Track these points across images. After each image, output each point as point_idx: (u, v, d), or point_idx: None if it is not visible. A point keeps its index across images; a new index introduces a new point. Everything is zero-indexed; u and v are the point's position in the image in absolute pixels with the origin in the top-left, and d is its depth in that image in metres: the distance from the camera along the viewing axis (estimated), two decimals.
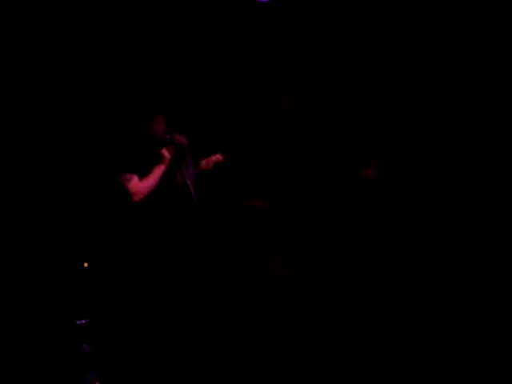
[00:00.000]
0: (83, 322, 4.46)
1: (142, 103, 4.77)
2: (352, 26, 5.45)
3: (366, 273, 4.90)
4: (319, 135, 5.49)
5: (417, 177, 5.18)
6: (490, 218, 4.80)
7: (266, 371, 4.17)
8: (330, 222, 5.12)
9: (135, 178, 4.44)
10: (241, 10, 5.39)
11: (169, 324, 4.44)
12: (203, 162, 4.81)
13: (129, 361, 4.28)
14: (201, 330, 4.58)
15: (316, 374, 4.14)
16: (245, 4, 5.35)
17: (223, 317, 4.74)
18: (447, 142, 5.18)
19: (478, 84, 5.03)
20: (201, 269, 4.84)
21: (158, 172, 4.47)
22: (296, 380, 4.10)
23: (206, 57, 5.47)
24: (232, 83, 5.57)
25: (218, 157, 4.86)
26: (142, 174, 4.45)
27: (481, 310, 4.26)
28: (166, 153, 4.51)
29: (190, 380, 4.20)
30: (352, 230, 5.04)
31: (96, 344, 4.38)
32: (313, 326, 4.59)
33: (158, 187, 4.47)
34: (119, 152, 4.55)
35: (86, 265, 4.90)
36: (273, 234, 5.11)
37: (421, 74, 5.31)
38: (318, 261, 4.95)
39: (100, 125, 5.16)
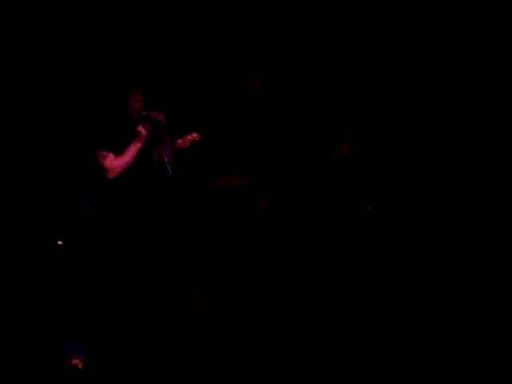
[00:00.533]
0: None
1: (119, 78, 4.66)
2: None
3: (343, 250, 4.90)
4: (295, 111, 5.45)
5: (396, 156, 5.18)
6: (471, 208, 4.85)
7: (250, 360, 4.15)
8: (307, 202, 5.09)
9: (110, 155, 4.35)
10: None
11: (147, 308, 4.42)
12: (180, 141, 4.74)
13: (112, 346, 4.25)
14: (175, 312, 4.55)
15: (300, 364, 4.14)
16: None
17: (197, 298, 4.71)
18: (419, 121, 5.19)
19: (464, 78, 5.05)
20: (175, 248, 4.79)
21: (133, 149, 4.38)
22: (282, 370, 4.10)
23: (181, 35, 5.39)
24: (207, 60, 5.49)
25: (195, 135, 4.79)
26: (118, 151, 4.36)
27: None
28: (142, 130, 4.42)
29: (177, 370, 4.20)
30: (331, 209, 5.03)
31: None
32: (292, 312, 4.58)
33: (134, 165, 4.39)
34: (94, 128, 4.45)
35: (60, 243, 4.81)
36: (249, 213, 5.07)
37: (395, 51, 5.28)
38: (295, 244, 4.92)
39: (75, 100, 5.03)
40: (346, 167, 5.14)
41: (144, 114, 4.44)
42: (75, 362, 4.27)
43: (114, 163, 4.34)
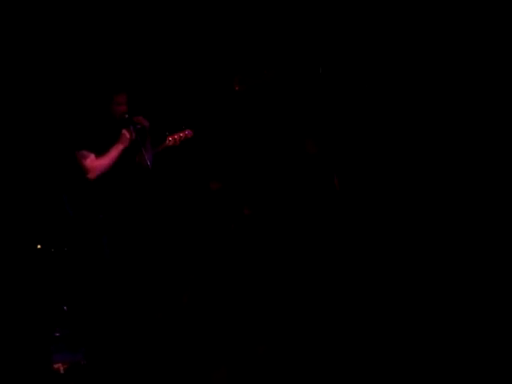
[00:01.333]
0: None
1: (105, 79, 4.62)
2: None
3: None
4: (273, 113, 5.48)
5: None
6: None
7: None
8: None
9: (91, 156, 4.34)
10: None
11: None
12: (170, 139, 4.71)
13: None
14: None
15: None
16: None
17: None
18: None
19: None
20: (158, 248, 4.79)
21: (115, 152, 4.38)
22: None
23: (166, 39, 5.36)
24: (191, 64, 5.48)
25: (187, 132, 4.77)
26: (99, 152, 4.35)
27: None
28: (126, 133, 4.41)
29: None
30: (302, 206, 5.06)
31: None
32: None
33: (115, 167, 4.38)
34: (77, 128, 4.42)
35: (38, 246, 4.76)
36: (231, 217, 5.09)
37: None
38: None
39: (60, 100, 4.98)
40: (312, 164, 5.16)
41: (127, 116, 4.43)
42: (57, 366, 4.24)
43: (95, 163, 4.33)
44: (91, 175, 4.32)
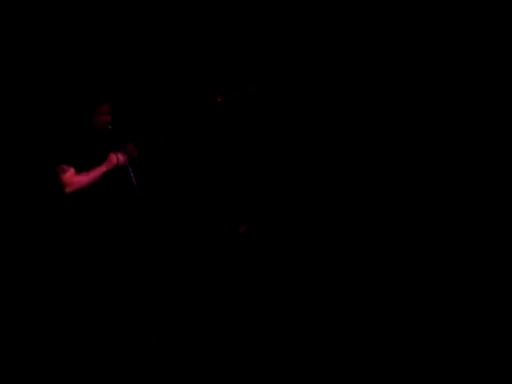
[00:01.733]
0: None
1: (87, 90, 4.54)
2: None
3: None
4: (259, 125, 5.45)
5: None
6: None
7: None
8: None
9: (71, 171, 4.24)
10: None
11: None
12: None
13: None
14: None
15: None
16: None
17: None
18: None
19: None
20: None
21: (97, 173, 4.28)
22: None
23: (147, 47, 5.30)
24: (172, 74, 5.41)
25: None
26: (81, 165, 4.25)
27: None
28: (113, 158, 4.32)
29: None
30: None
31: None
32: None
33: (96, 185, 4.30)
34: (58, 140, 4.31)
35: None
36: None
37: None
38: None
39: (41, 111, 4.89)
40: None
41: (110, 127, 4.35)
42: None
43: (73, 179, 4.24)
44: (68, 190, 4.23)
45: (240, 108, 5.45)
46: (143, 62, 5.32)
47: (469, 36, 4.98)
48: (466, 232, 4.76)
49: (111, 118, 4.34)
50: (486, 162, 4.89)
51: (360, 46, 5.24)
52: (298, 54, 5.43)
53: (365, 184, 5.17)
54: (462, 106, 5.01)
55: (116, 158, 4.33)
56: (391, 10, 5.14)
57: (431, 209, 4.97)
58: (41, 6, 4.88)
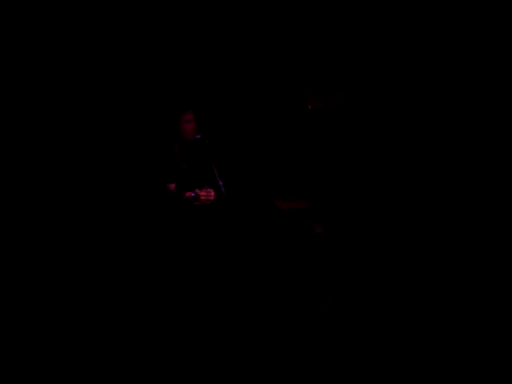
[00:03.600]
0: None
1: (169, 100, 4.65)
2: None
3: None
4: (345, 133, 5.41)
5: None
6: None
7: None
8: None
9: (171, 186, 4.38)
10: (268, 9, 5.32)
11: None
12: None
13: None
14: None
15: None
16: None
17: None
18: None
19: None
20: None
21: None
22: None
23: (236, 56, 5.38)
24: (260, 81, 5.48)
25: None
26: (170, 175, 4.36)
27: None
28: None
29: None
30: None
31: None
32: None
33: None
34: (143, 155, 4.46)
35: None
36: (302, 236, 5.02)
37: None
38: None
39: (125, 123, 5.09)
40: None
41: (198, 136, 4.43)
42: None
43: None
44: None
45: (329, 116, 5.43)
46: (235, 70, 5.39)
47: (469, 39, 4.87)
48: (466, 233, 4.69)
49: (197, 126, 4.41)
50: (486, 162, 4.79)
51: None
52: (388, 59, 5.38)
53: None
54: (463, 108, 4.91)
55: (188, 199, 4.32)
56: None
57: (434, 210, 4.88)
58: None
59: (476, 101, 4.88)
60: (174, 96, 4.83)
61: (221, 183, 4.40)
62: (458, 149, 4.92)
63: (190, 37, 5.16)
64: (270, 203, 5.18)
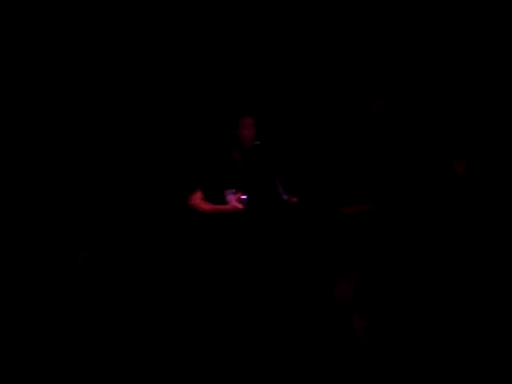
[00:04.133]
0: None
1: (228, 104, 4.61)
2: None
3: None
4: (409, 134, 5.28)
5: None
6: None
7: None
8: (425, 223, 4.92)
9: (198, 194, 4.27)
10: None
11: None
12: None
13: None
14: None
15: None
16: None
17: None
18: None
19: None
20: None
21: (219, 210, 4.24)
22: None
23: (297, 57, 5.30)
24: (321, 83, 5.39)
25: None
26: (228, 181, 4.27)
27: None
28: (237, 206, 4.22)
29: None
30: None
31: None
32: None
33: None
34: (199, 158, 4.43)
35: None
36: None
37: None
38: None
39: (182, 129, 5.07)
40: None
41: (258, 143, 4.34)
42: None
43: (196, 202, 4.26)
44: (189, 204, 4.28)
45: (391, 116, 5.30)
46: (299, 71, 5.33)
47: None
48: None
49: (256, 132, 4.31)
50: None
51: None
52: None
53: None
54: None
55: (238, 206, 4.21)
56: None
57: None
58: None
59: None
60: (232, 100, 4.77)
61: (281, 190, 4.32)
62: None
63: (249, 41, 5.14)
64: (333, 209, 5.08)
